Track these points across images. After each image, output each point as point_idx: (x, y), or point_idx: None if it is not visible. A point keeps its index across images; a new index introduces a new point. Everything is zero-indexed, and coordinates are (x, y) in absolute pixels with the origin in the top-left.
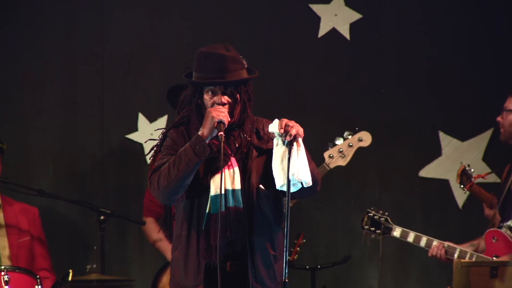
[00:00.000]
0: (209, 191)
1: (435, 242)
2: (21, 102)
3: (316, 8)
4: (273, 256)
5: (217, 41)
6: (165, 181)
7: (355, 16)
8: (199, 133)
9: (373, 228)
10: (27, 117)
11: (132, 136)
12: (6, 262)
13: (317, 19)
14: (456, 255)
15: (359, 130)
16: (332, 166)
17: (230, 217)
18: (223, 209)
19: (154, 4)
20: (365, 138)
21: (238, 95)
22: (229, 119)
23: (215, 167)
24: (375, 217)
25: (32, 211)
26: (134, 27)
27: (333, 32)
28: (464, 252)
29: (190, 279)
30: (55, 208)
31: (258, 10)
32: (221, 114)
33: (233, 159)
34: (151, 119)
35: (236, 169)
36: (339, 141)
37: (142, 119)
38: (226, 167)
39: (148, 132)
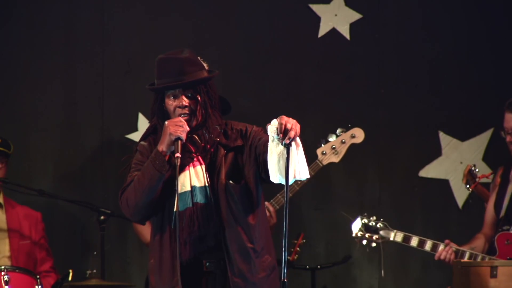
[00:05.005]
0: (176, 190)
1: (441, 246)
2: (21, 102)
3: (316, 8)
4: (251, 249)
5: (217, 41)
6: (133, 201)
7: (355, 16)
8: (159, 148)
9: (368, 235)
10: (27, 117)
11: (132, 136)
12: (6, 263)
13: (317, 19)
14: (466, 258)
15: (352, 127)
16: (325, 163)
17: (198, 212)
18: (190, 205)
19: (154, 4)
20: (358, 135)
21: (198, 96)
22: (188, 128)
23: (180, 167)
24: (370, 223)
25: (35, 215)
26: (134, 27)
27: (333, 32)
28: (475, 255)
29: (165, 282)
30: (55, 208)
31: (258, 10)
32: (179, 130)
33: (198, 157)
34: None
35: (202, 166)
36: (332, 138)
37: (142, 119)
38: (191, 164)
39: None
